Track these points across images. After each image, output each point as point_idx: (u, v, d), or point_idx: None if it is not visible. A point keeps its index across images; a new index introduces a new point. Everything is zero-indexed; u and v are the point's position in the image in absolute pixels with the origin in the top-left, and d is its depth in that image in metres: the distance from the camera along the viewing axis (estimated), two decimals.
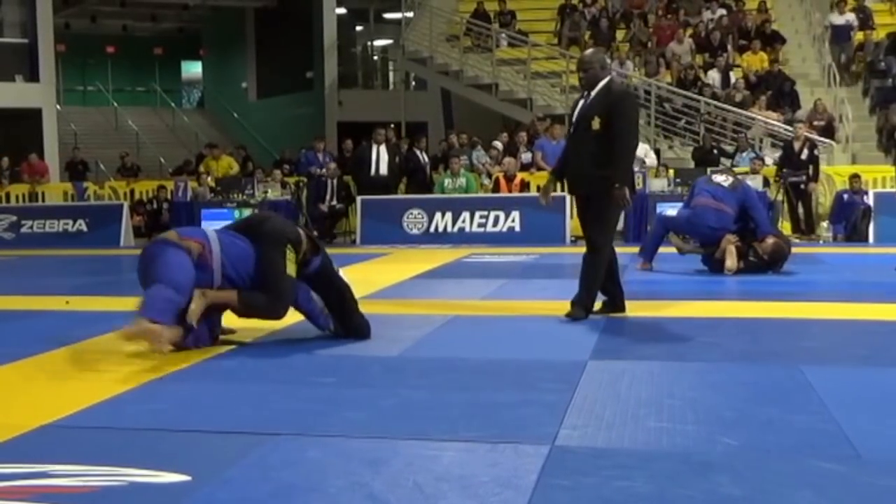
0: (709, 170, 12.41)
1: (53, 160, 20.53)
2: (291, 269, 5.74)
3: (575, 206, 7.20)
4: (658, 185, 14.61)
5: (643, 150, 15.56)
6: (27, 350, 5.76)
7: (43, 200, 17.91)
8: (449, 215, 14.85)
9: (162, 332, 5.27)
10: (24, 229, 16.24)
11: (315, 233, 15.09)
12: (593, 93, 6.69)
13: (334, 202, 15.93)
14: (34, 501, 3.13)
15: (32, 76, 21.66)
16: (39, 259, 13.47)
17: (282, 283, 5.73)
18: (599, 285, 6.81)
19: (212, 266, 5.65)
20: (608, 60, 7.44)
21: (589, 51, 7.44)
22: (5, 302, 8.36)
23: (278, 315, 5.84)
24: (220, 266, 5.67)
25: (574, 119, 6.83)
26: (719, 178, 9.90)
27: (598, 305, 6.89)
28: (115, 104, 30.07)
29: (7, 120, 21.44)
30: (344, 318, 6.04)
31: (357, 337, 5.99)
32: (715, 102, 17.31)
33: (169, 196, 17.05)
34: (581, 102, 6.80)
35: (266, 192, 15.82)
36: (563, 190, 6.97)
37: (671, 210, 10.15)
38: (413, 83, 26.97)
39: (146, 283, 5.57)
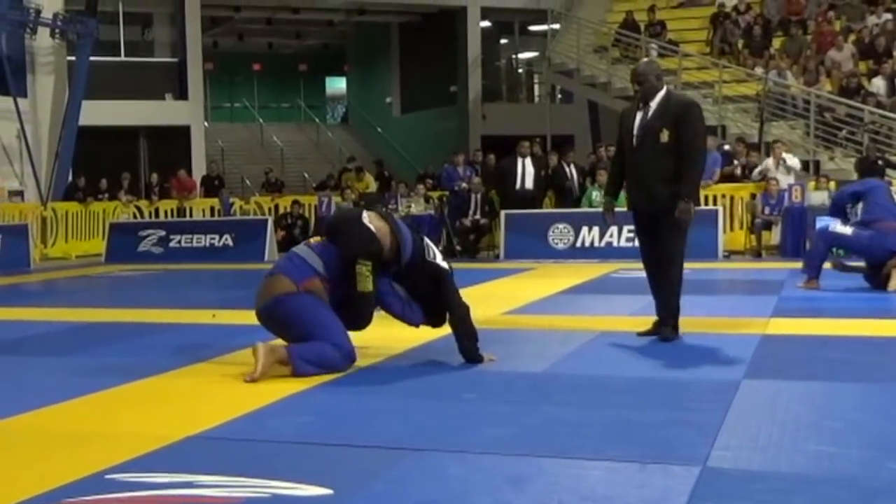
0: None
1: (201, 176, 21.08)
2: (365, 284, 5.59)
3: (636, 221, 6.88)
4: (818, 197, 14.05)
5: (786, 158, 15.02)
6: (175, 361, 5.91)
7: (190, 216, 18.38)
8: (596, 230, 14.56)
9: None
10: (172, 244, 16.64)
11: (458, 247, 15.29)
12: (653, 104, 6.52)
13: (478, 216, 15.91)
14: None
15: (182, 94, 22.41)
16: (187, 273, 13.86)
17: (359, 304, 5.65)
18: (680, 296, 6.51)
19: (326, 282, 5.61)
20: (663, 71, 7.18)
21: (643, 61, 7.30)
22: (155, 315, 8.61)
23: (363, 326, 5.76)
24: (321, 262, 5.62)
25: (634, 132, 6.60)
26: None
27: (648, 326, 6.61)
28: (261, 120, 30.85)
29: (157, 137, 22.29)
30: (431, 306, 5.83)
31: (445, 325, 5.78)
32: (880, 111, 16.59)
33: (303, 212, 17.25)
34: (639, 115, 6.60)
35: (409, 206, 15.91)
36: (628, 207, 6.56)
37: (841, 227, 9.58)
38: (559, 96, 26.83)
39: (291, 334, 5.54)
